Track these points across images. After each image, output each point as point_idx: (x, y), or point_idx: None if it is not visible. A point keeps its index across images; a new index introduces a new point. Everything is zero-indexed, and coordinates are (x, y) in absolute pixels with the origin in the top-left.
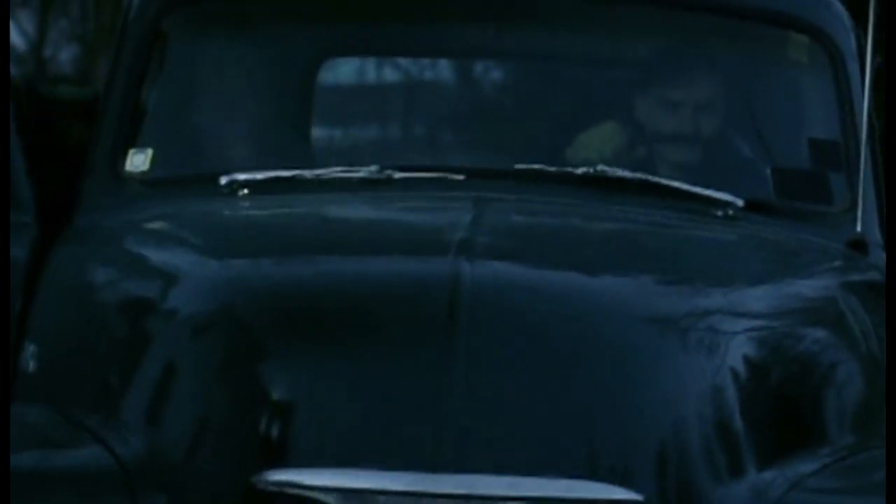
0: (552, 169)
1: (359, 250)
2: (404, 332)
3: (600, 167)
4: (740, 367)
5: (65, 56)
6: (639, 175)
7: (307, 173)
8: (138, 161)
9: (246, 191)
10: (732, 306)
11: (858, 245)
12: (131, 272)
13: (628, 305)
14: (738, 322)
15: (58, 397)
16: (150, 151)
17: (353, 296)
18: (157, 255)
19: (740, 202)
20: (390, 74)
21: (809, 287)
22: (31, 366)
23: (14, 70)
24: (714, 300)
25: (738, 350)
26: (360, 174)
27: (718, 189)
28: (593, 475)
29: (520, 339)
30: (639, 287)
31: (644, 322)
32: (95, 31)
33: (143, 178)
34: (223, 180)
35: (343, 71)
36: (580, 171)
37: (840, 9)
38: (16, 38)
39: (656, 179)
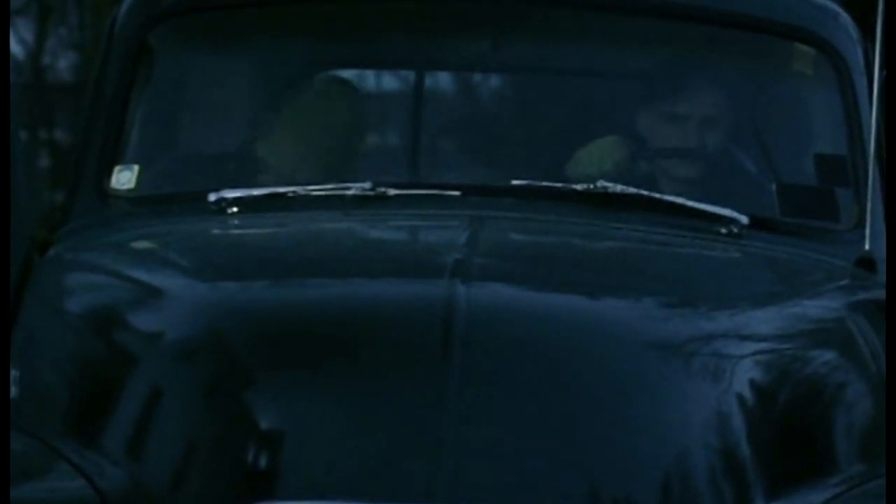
0: (551, 185)
1: (350, 272)
2: (397, 359)
3: (601, 183)
4: (746, 393)
5: (63, 64)
6: (640, 191)
7: (298, 190)
8: (124, 178)
9: (235, 209)
10: (738, 329)
11: (867, 263)
12: (115, 295)
13: (630, 329)
14: (744, 345)
15: (38, 425)
16: (136, 168)
17: (344, 320)
18: (142, 277)
19: (745, 219)
20: (385, 87)
21: (817, 308)
22: (12, 391)
23: (12, 78)
24: (719, 323)
25: (744, 375)
26: (353, 191)
27: (722, 205)
28: None
29: (517, 366)
30: (641, 310)
31: (646, 347)
32: (94, 39)
33: (129, 196)
34: (212, 198)
35: None
36: (580, 187)
37: (847, 20)
38: (14, 47)
39: (658, 196)
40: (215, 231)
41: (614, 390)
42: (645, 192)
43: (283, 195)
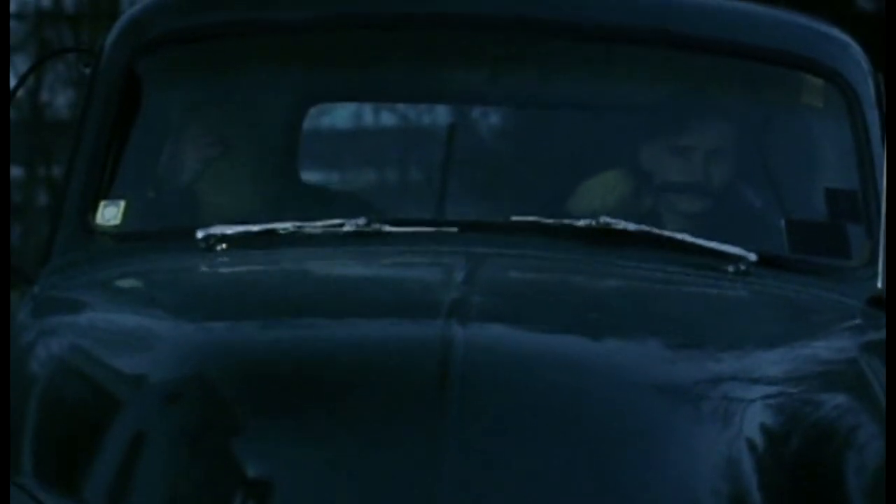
0: (552, 221)
1: (343, 313)
2: (391, 404)
3: (603, 219)
4: (757, 439)
5: (61, 101)
6: (644, 227)
7: (290, 226)
8: (110, 214)
9: (224, 246)
10: (747, 372)
11: (880, 302)
12: (99, 335)
13: (635, 373)
14: (754, 389)
15: (16, 470)
16: (122, 204)
17: (336, 363)
18: (127, 317)
19: (753, 257)
20: (380, 120)
21: (828, 349)
22: None
23: (11, 115)
24: (727, 366)
25: (753, 419)
26: (347, 227)
27: (729, 242)
28: None
29: (517, 412)
30: (646, 352)
31: (652, 391)
32: None
33: (114, 233)
34: (200, 234)
35: (332, 116)
36: (582, 223)
37: (857, 50)
38: (12, 83)
39: (663, 232)
40: (203, 269)
41: (619, 435)
42: (649, 229)
43: (273, 231)
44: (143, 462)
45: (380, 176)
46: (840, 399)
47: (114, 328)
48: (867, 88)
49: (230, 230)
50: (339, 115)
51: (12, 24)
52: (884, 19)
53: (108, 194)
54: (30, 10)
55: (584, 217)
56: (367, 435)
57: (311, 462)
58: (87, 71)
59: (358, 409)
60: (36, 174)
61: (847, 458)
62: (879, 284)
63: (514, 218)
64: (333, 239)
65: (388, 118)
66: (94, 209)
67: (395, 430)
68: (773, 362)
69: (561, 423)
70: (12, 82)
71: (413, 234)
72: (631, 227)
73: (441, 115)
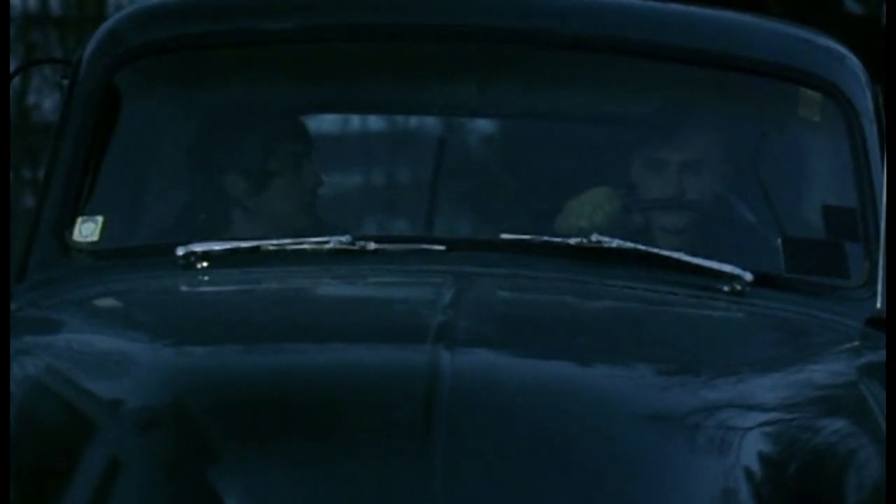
0: (541, 239)
1: (326, 336)
2: (375, 434)
3: (594, 237)
4: (754, 467)
5: (48, 104)
6: (638, 246)
7: (272, 244)
8: (87, 230)
9: (205, 263)
10: (743, 398)
11: (879, 323)
12: (74, 357)
13: (628, 400)
14: (750, 416)
15: None
16: (100, 220)
17: (319, 391)
18: (104, 339)
19: (749, 276)
20: (367, 134)
21: (826, 373)
22: None
23: None
24: (723, 392)
25: (750, 447)
26: (331, 245)
27: (724, 261)
28: None
29: (506, 441)
30: (639, 378)
31: (645, 419)
32: None
33: (92, 249)
34: (180, 252)
35: (318, 129)
36: (572, 241)
37: (855, 62)
38: None
39: (656, 251)
40: (183, 288)
41: (611, 465)
42: (642, 247)
43: (256, 249)
44: (117, 490)
45: (366, 190)
46: (839, 425)
47: (90, 350)
48: (865, 102)
49: (211, 247)
50: (325, 127)
51: None
52: (872, 22)
53: (86, 210)
54: (16, 13)
55: (575, 234)
56: (350, 465)
57: (292, 493)
58: (65, 82)
59: (341, 439)
60: (22, 177)
61: (847, 485)
62: (878, 304)
63: (504, 236)
64: (317, 257)
65: (374, 131)
66: (71, 225)
67: (380, 460)
68: (769, 388)
69: (551, 454)
70: None
71: (399, 252)
72: (624, 245)
73: (429, 128)
